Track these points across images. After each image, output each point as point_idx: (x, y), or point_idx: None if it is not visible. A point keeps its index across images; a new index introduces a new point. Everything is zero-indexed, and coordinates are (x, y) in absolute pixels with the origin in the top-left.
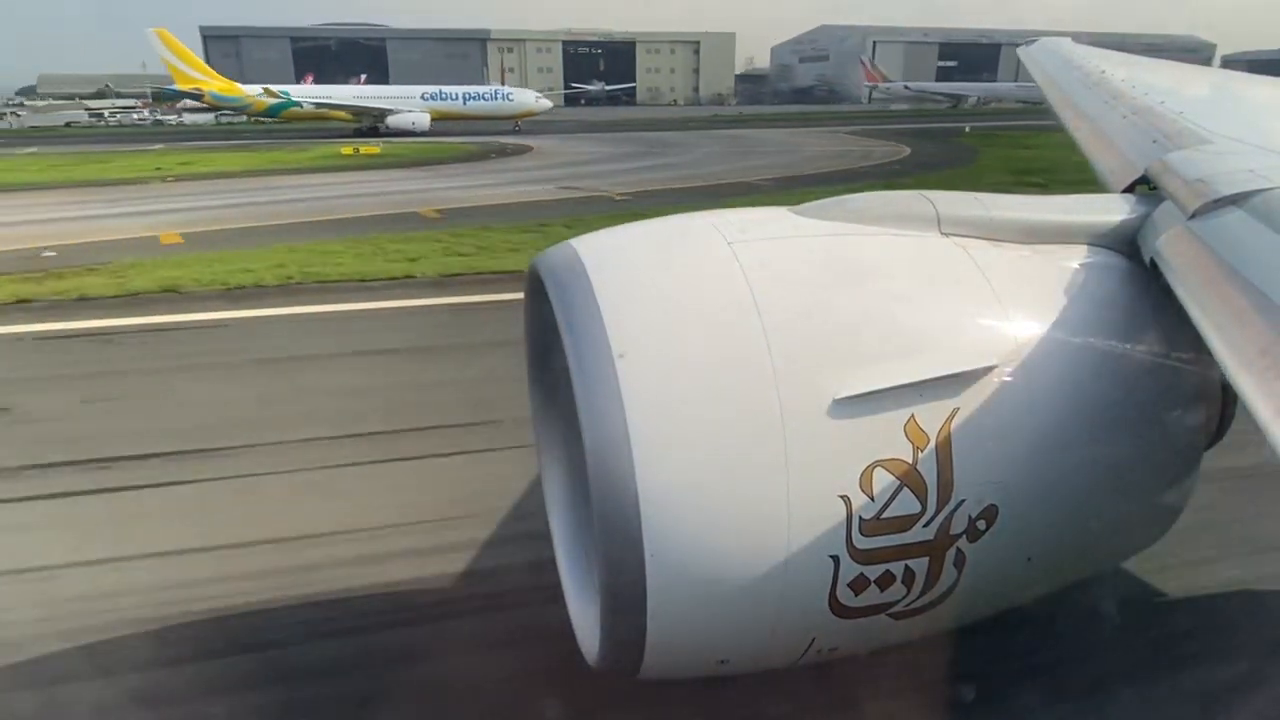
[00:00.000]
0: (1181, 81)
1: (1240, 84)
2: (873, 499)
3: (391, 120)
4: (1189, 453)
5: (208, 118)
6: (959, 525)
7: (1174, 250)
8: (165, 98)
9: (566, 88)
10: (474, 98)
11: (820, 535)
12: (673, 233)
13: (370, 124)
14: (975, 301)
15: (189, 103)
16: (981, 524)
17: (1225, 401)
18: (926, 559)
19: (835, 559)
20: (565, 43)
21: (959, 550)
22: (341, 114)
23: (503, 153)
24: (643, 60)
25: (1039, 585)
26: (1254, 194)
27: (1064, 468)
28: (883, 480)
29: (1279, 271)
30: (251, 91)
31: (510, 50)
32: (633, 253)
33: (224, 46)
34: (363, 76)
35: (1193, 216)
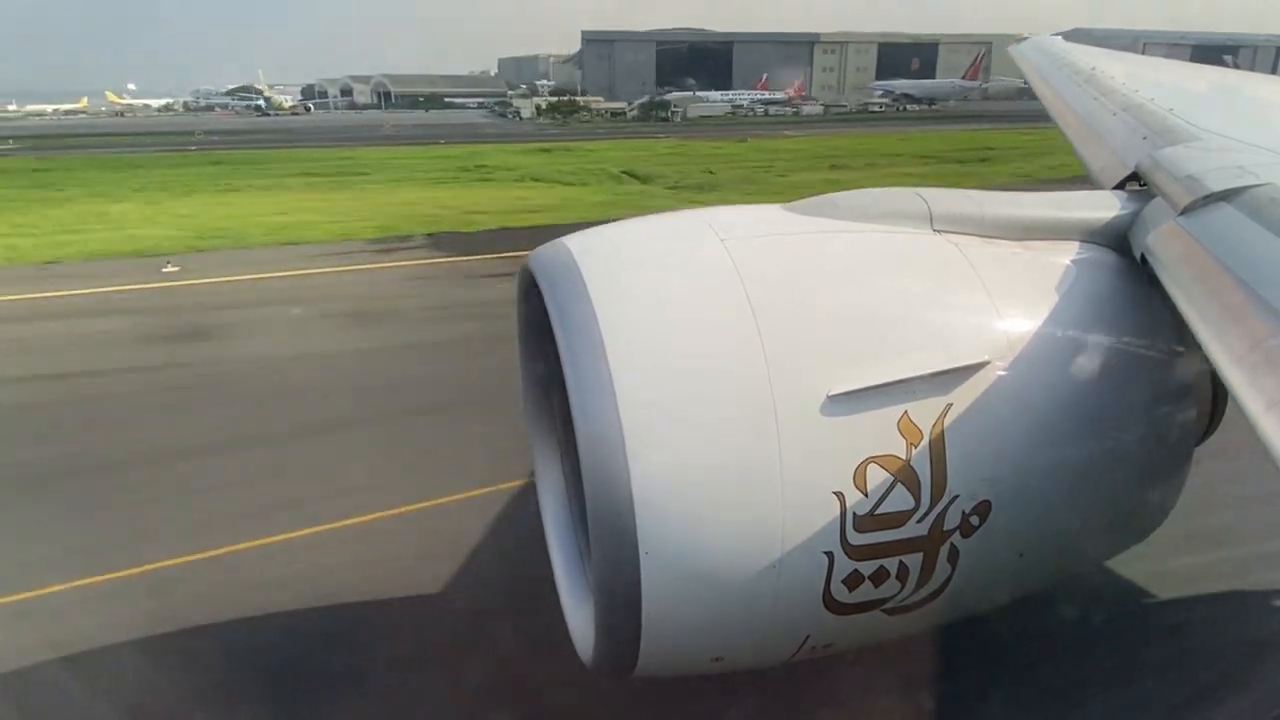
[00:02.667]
0: (1171, 78)
1: (1229, 80)
2: (866, 495)
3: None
4: (1180, 447)
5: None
6: (952, 521)
7: (1164, 246)
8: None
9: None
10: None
11: (814, 532)
12: (666, 231)
13: None
14: (968, 298)
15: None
16: (975, 519)
17: (1216, 396)
18: (920, 554)
19: (829, 555)
20: (880, 45)
21: (952, 546)
22: None
23: None
24: (945, 60)
25: (1032, 580)
26: (1243, 190)
27: (1056, 463)
28: (876, 476)
29: (1269, 267)
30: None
31: (832, 51)
32: (626, 251)
33: (599, 49)
34: (764, 77)
35: (1183, 213)
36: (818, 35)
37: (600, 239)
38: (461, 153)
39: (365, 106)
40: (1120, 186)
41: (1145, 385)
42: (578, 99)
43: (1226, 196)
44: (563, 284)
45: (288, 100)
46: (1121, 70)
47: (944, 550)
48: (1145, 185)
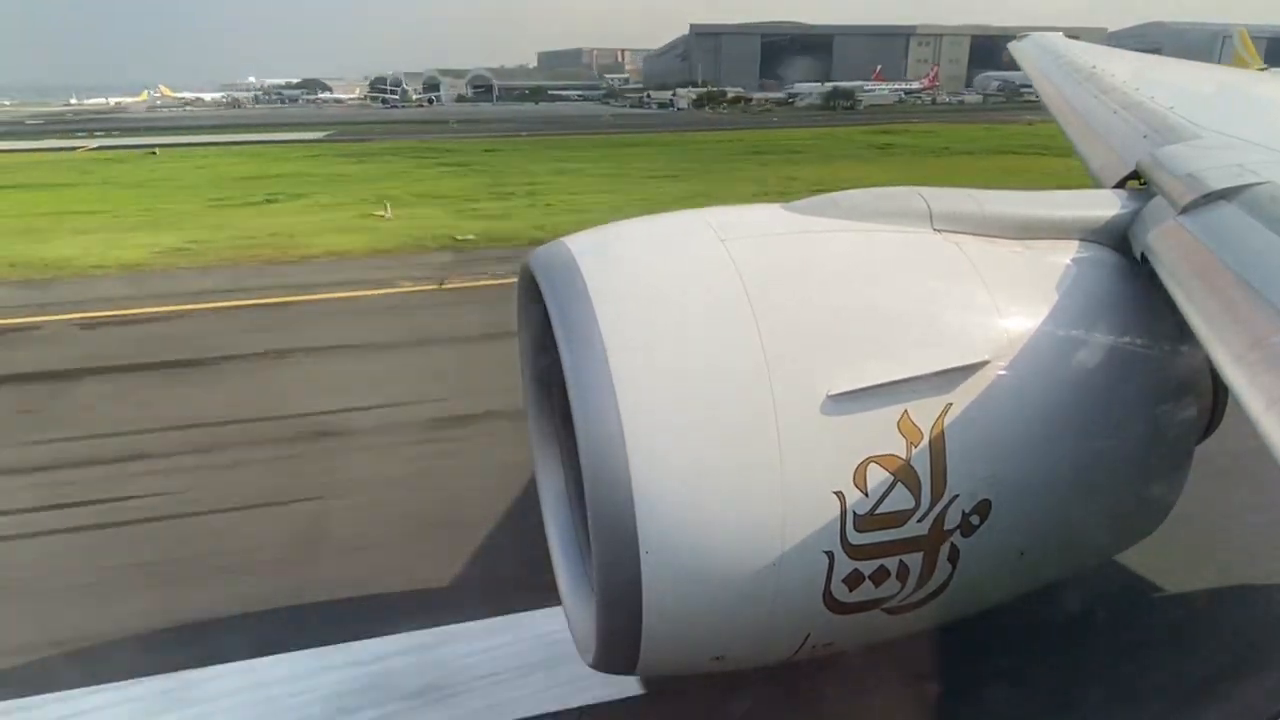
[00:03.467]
0: (1172, 76)
1: (1231, 78)
2: (866, 494)
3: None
4: (1181, 446)
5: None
6: (952, 520)
7: (1165, 245)
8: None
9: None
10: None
11: (814, 531)
12: (666, 230)
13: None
14: (968, 297)
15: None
16: (975, 519)
17: (1217, 395)
18: (921, 554)
19: (829, 555)
20: (973, 37)
21: (953, 545)
22: None
23: None
24: None
25: (1032, 579)
26: (1244, 188)
27: (1056, 462)
28: (876, 476)
29: (1269, 265)
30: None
31: (926, 44)
32: (626, 251)
33: (707, 42)
34: (879, 68)
35: (1183, 211)
36: (914, 28)
37: (600, 239)
38: (808, 136)
39: (474, 100)
40: (1120, 185)
41: (1145, 384)
42: (725, 90)
43: (1227, 195)
44: (562, 284)
45: (413, 93)
46: (1122, 68)
47: (944, 549)
48: (1145, 183)
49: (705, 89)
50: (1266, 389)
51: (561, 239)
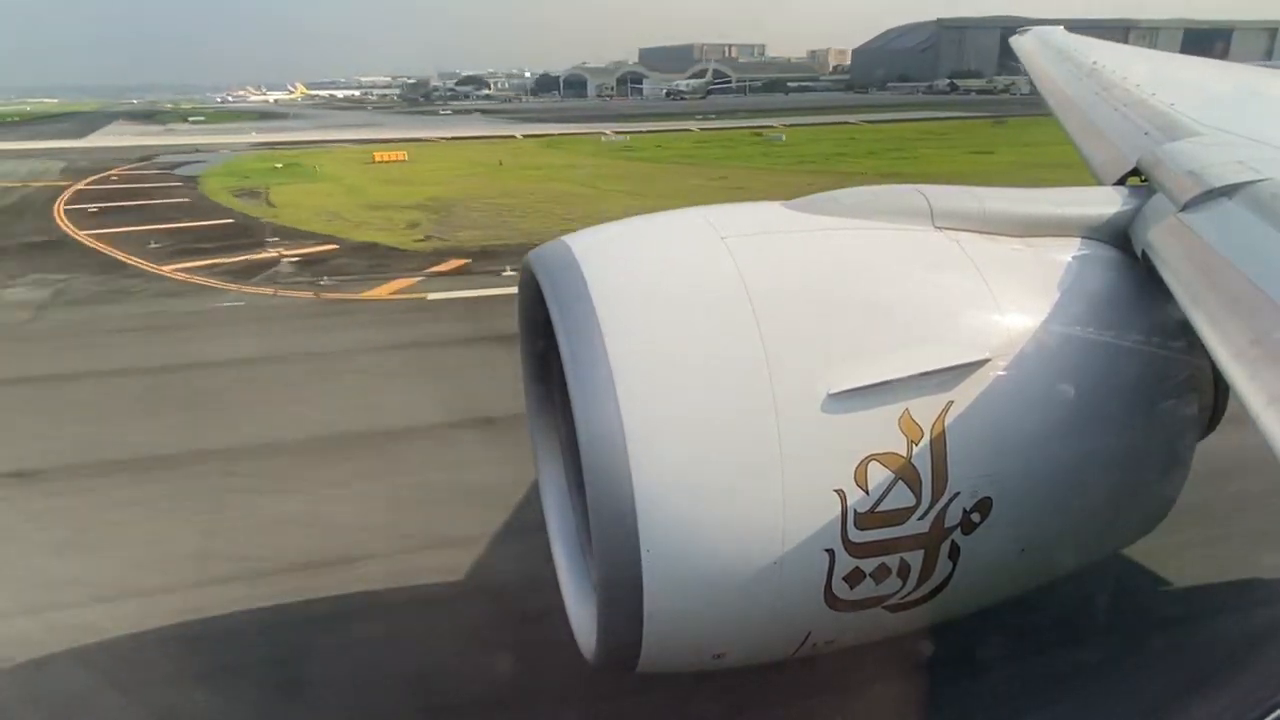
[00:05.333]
0: (1173, 73)
1: (1231, 74)
2: (867, 493)
3: None
4: (1182, 443)
5: None
6: (953, 518)
7: (1165, 242)
8: None
9: None
10: None
11: (815, 529)
12: (666, 229)
13: None
14: (969, 295)
15: None
16: (976, 516)
17: (1218, 392)
18: (921, 552)
19: (830, 553)
20: (1185, 30)
21: (953, 543)
22: None
23: None
24: (1237, 44)
25: (1033, 576)
26: (1244, 185)
27: (1057, 459)
28: (877, 474)
29: (1270, 262)
30: None
31: (1144, 38)
32: (626, 249)
33: (953, 35)
34: None
35: (1184, 208)
36: (1135, 21)
37: (601, 237)
38: None
39: (720, 91)
40: (1121, 182)
41: (1147, 381)
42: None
43: (1228, 192)
44: (563, 282)
45: (683, 85)
46: (1123, 64)
47: (945, 547)
48: (1146, 180)
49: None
50: (1267, 385)
51: (562, 238)
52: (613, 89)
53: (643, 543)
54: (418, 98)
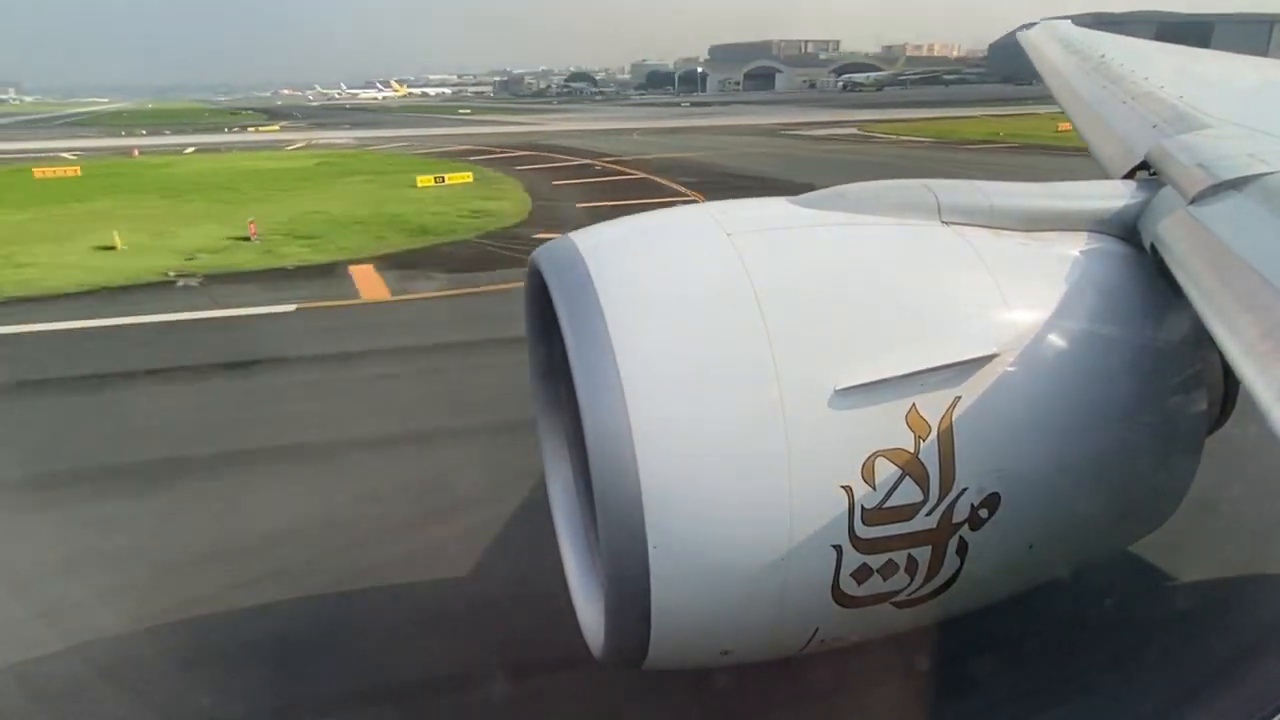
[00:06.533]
0: (1181, 65)
1: (1240, 66)
2: (875, 488)
3: None
4: (1190, 438)
5: None
6: (961, 513)
7: (1174, 235)
8: None
9: None
10: None
11: (822, 525)
12: (672, 225)
13: None
14: (976, 290)
15: None
16: (983, 512)
17: (1227, 387)
18: (929, 547)
19: (838, 549)
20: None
21: (961, 538)
22: None
23: None
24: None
25: (1041, 572)
26: (1254, 178)
27: (1065, 455)
28: (885, 470)
29: None
30: None
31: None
32: (632, 246)
33: (1105, 30)
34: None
35: (1193, 201)
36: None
37: (606, 234)
38: None
39: (858, 87)
40: (1130, 175)
41: (1155, 375)
42: None
43: (1237, 184)
44: (569, 279)
45: (860, 78)
46: (1130, 57)
47: (953, 543)
48: (1155, 174)
49: None
50: (1277, 379)
51: (568, 235)
52: (739, 83)
53: (650, 539)
54: (516, 94)
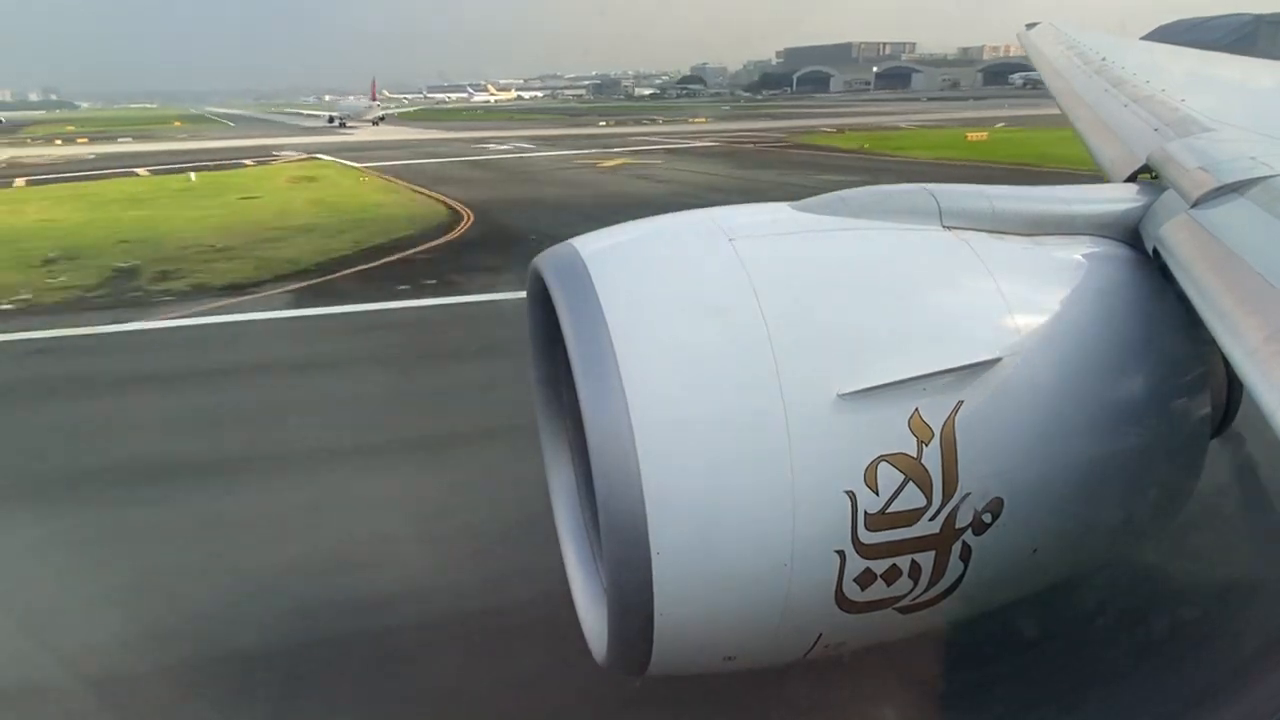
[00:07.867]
0: (1183, 68)
1: (1243, 69)
2: (877, 493)
3: None
4: (1195, 442)
5: None
6: (964, 518)
7: (1177, 239)
8: None
9: None
10: None
11: (825, 531)
12: (674, 230)
13: None
14: (978, 294)
15: None
16: (987, 517)
17: (1231, 391)
18: (932, 552)
19: (841, 554)
20: None
21: (965, 543)
22: None
23: None
24: None
25: (1045, 577)
26: (1256, 181)
27: (1069, 459)
28: (887, 475)
29: None
30: None
31: None
32: (633, 251)
33: (1268, 30)
34: None
35: (1195, 205)
36: None
37: (608, 240)
38: None
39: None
40: (1132, 179)
41: (1158, 379)
42: None
43: (1239, 188)
44: (571, 285)
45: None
46: (1132, 60)
47: (956, 548)
48: (1157, 177)
49: None
50: None
51: (569, 240)
52: (868, 83)
53: (653, 545)
54: (611, 96)
